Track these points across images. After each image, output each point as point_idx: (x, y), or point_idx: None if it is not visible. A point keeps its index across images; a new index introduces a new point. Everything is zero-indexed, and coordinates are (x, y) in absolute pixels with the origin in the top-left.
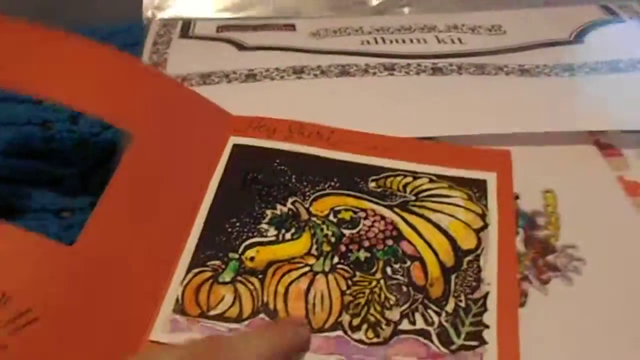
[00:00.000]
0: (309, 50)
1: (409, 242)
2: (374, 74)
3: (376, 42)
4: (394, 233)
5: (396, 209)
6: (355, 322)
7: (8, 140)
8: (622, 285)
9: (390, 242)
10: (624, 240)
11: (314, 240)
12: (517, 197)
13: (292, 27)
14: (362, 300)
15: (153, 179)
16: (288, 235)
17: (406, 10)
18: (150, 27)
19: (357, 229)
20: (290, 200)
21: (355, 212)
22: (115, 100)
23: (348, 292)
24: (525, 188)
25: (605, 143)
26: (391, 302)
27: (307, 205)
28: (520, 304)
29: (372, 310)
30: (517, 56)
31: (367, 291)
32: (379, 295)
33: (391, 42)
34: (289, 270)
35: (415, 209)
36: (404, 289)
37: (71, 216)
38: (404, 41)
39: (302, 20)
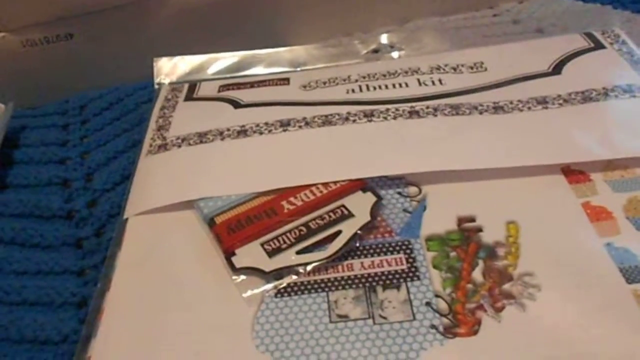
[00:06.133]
0: (297, 102)
1: None
2: (354, 121)
3: (361, 90)
4: None
5: None
6: None
7: (32, 203)
8: (574, 308)
9: None
10: (580, 262)
11: None
12: (480, 230)
13: (286, 81)
14: None
15: None
16: None
17: (395, 54)
18: (159, 92)
19: None
20: None
21: None
22: None
23: None
24: (490, 220)
25: (574, 169)
26: None
27: None
28: (473, 332)
29: None
30: (493, 93)
31: None
32: None
33: (374, 88)
34: None
35: None
36: None
37: (89, 273)
38: (386, 87)
39: (296, 74)
